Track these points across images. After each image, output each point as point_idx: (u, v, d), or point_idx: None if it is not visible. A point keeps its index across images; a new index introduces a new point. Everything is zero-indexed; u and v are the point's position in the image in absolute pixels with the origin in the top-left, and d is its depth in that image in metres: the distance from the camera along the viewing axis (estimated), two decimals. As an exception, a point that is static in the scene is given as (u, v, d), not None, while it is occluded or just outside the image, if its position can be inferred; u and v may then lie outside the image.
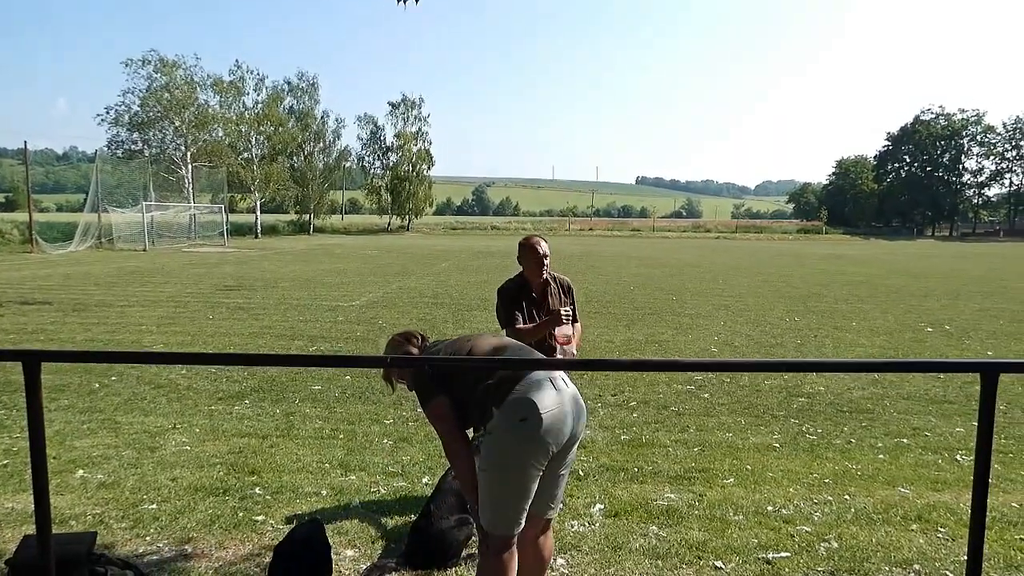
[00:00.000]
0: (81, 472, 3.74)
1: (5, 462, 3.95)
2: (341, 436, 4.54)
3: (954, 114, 67.72)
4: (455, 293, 13.41)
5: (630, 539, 2.89)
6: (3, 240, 26.83)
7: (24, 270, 17.25)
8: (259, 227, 42.07)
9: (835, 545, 2.87)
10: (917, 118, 68.90)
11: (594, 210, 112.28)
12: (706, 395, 5.85)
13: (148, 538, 2.89)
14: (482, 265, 20.97)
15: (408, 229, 54.24)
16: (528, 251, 3.28)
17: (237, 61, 46.20)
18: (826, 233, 59.33)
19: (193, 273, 17.18)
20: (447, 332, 9.14)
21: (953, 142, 67.25)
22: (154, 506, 3.26)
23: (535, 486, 2.04)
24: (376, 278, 16.23)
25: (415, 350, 2.35)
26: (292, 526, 2.50)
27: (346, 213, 73.17)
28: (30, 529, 2.96)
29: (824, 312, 11.29)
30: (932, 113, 68.47)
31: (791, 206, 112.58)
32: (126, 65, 35.63)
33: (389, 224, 55.18)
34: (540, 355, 2.21)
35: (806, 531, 3.02)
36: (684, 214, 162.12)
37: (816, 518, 3.19)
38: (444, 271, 18.59)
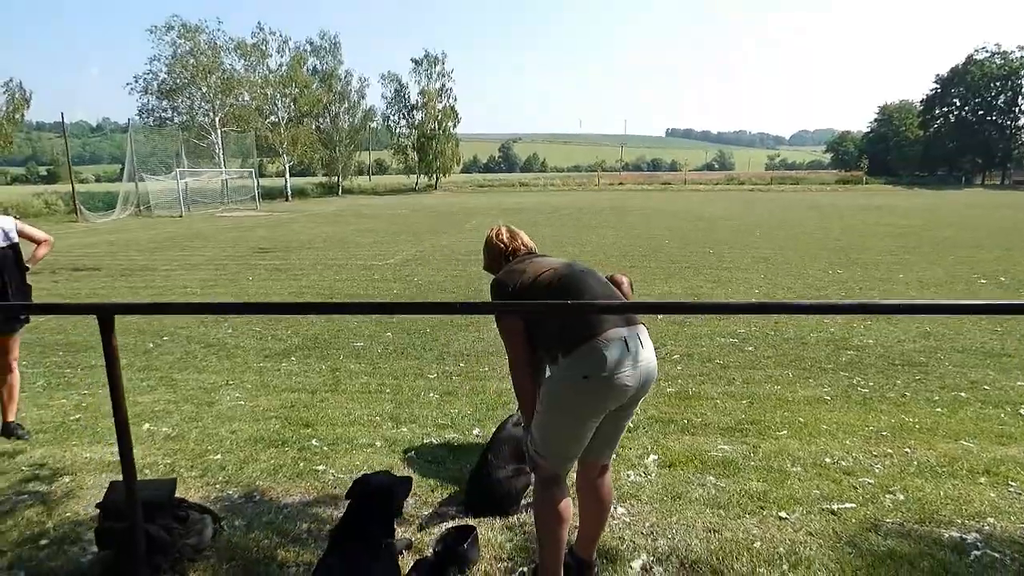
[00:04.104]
0: (147, 425, 3.90)
1: (77, 416, 4.14)
2: (387, 391, 4.61)
3: (1011, 52, 63.03)
4: (488, 251, 13.36)
5: (688, 489, 2.89)
6: (50, 211, 27.77)
7: (71, 238, 17.79)
8: (289, 190, 42.42)
9: (901, 497, 2.81)
10: (970, 57, 64.41)
11: (623, 164, 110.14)
12: (750, 348, 5.76)
13: (218, 486, 3.01)
14: (513, 222, 20.61)
15: (436, 188, 54.05)
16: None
17: (259, 23, 45.50)
18: (866, 183, 57.05)
19: (229, 237, 17.49)
20: (483, 290, 9.16)
21: (1010, 83, 62.76)
22: (219, 456, 3.38)
23: (589, 436, 2.02)
24: (408, 237, 16.29)
25: (502, 261, 2.30)
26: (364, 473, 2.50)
27: (373, 174, 73.19)
28: (107, 477, 3.11)
29: (868, 264, 10.93)
30: (987, 52, 63.86)
31: (829, 156, 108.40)
32: (151, 32, 35.73)
33: (417, 183, 55.06)
34: (619, 299, 2.10)
35: (869, 483, 2.96)
36: (716, 166, 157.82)
37: (877, 470, 3.13)
38: (476, 228, 18.53)
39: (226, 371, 5.22)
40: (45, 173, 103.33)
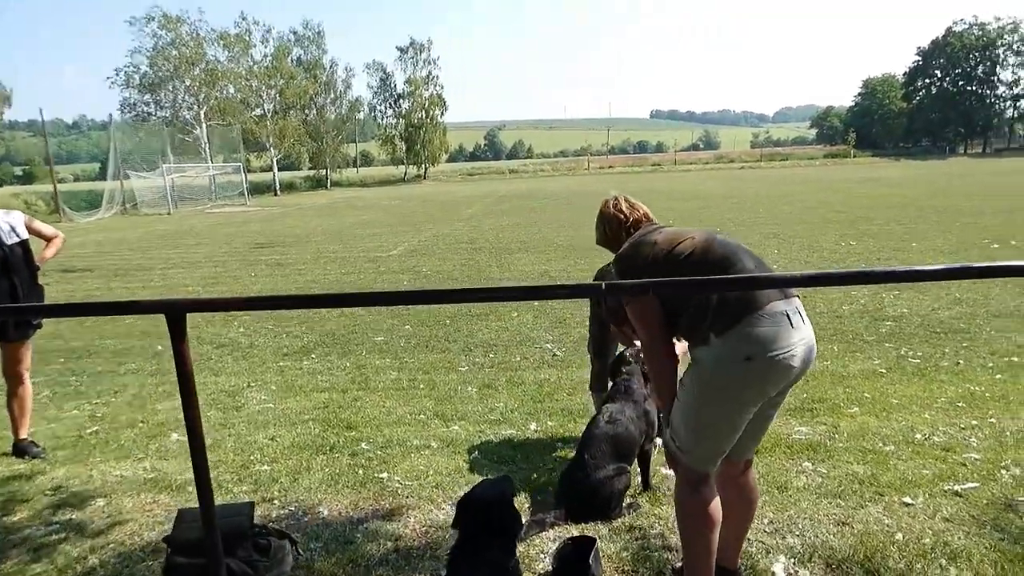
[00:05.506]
0: (175, 435, 3.61)
1: (94, 428, 3.85)
2: (421, 386, 4.37)
3: (988, 23, 63.73)
4: (491, 237, 13.11)
5: (788, 477, 2.68)
6: (31, 212, 27.00)
7: (56, 240, 17.28)
8: (278, 185, 41.69)
9: (1018, 472, 2.63)
10: (949, 30, 64.92)
11: (609, 147, 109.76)
12: (785, 324, 5.59)
13: (276, 501, 2.73)
14: (510, 208, 20.53)
15: (424, 178, 53.44)
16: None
17: (242, 13, 44.45)
18: (854, 157, 57.24)
19: (223, 233, 17.06)
20: (492, 276, 8.90)
21: (988, 53, 63.38)
22: (266, 467, 3.11)
23: (744, 427, 1.77)
24: (406, 227, 15.96)
25: (623, 234, 2.02)
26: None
27: (360, 166, 72.29)
28: (147, 497, 2.83)
29: (878, 235, 10.82)
30: (965, 23, 64.52)
31: (813, 132, 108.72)
32: (130, 23, 34.91)
33: (405, 174, 54.42)
34: (770, 270, 1.83)
35: (975, 459, 2.78)
36: (701, 146, 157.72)
37: (975, 444, 2.95)
38: (473, 216, 18.23)
39: (245, 372, 4.95)
40: (20, 173, 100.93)
